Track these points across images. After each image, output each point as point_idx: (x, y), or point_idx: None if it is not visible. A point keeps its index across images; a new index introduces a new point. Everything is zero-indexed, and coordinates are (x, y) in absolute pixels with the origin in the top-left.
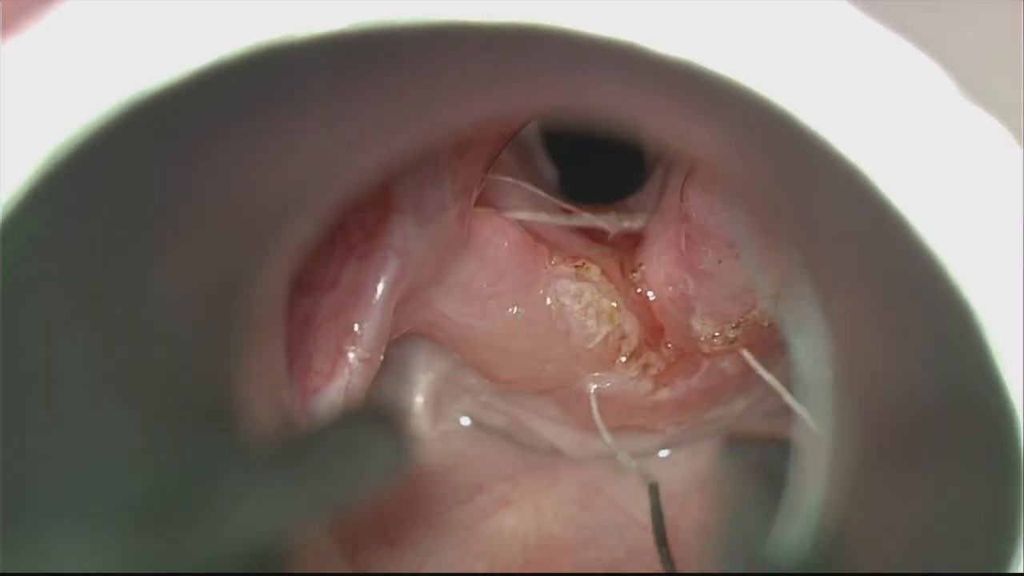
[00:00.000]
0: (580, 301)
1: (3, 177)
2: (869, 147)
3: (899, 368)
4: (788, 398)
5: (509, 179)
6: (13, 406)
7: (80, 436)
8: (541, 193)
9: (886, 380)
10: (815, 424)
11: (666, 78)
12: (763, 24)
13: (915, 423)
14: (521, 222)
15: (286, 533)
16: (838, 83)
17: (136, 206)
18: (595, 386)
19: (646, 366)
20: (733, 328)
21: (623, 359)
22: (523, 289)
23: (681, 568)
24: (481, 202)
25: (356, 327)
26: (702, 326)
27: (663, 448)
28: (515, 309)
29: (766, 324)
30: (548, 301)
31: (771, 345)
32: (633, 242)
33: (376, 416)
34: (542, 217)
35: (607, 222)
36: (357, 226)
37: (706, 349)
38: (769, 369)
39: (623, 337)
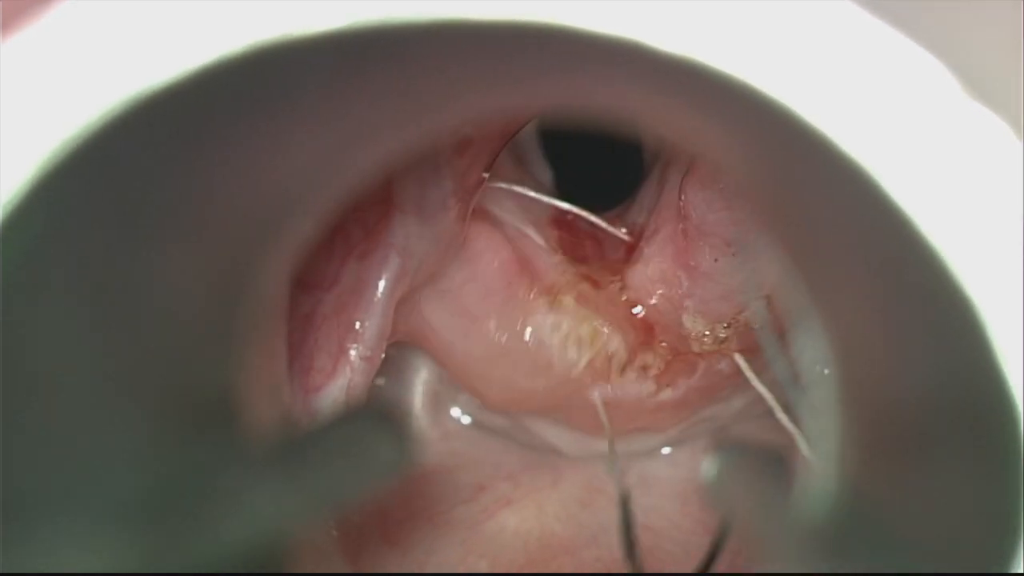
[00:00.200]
0: (558, 333)
1: (4, 177)
2: (872, 144)
3: (900, 365)
4: (774, 406)
5: (503, 185)
6: (13, 405)
7: (80, 435)
8: (540, 196)
9: (887, 377)
10: (813, 422)
11: (670, 76)
12: (767, 22)
13: (916, 421)
14: (512, 239)
15: (287, 533)
16: (841, 81)
17: (136, 205)
18: (598, 393)
19: (644, 367)
20: (724, 328)
21: (618, 370)
22: (503, 318)
23: (680, 568)
24: (478, 211)
25: (357, 325)
26: (693, 324)
27: (663, 447)
28: (497, 336)
29: (758, 326)
30: (527, 337)
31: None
32: (623, 250)
33: (377, 415)
34: (529, 232)
35: (603, 220)
36: (358, 225)
37: (696, 348)
38: (765, 368)
39: (610, 356)
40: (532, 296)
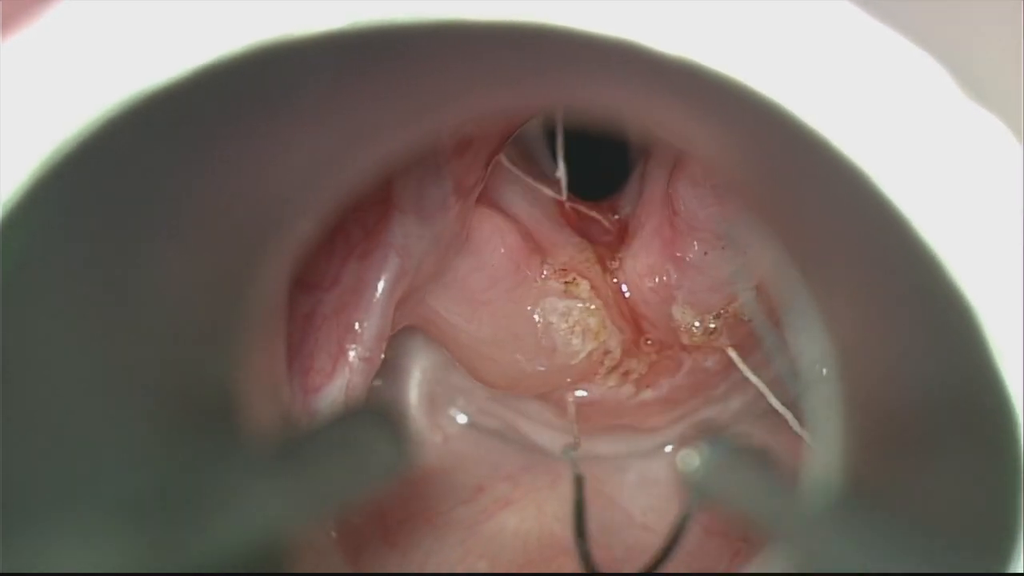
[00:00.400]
0: (568, 320)
1: (3, 176)
2: (869, 146)
3: (897, 366)
4: (771, 398)
5: (513, 168)
6: (14, 404)
7: (80, 435)
8: (544, 189)
9: (884, 378)
10: (813, 421)
11: (666, 76)
12: (763, 23)
13: (914, 421)
14: (518, 222)
15: (286, 533)
16: (839, 82)
17: (136, 205)
18: (574, 395)
19: (626, 373)
20: (714, 319)
21: (604, 371)
22: (513, 301)
23: (680, 567)
24: (482, 198)
25: (357, 326)
26: (682, 315)
27: (663, 447)
28: (502, 320)
29: (748, 319)
30: (536, 318)
31: (755, 342)
32: (619, 236)
33: (376, 416)
34: (538, 215)
35: (601, 212)
36: (357, 225)
37: (686, 340)
38: (763, 367)
39: (607, 352)
40: (545, 276)
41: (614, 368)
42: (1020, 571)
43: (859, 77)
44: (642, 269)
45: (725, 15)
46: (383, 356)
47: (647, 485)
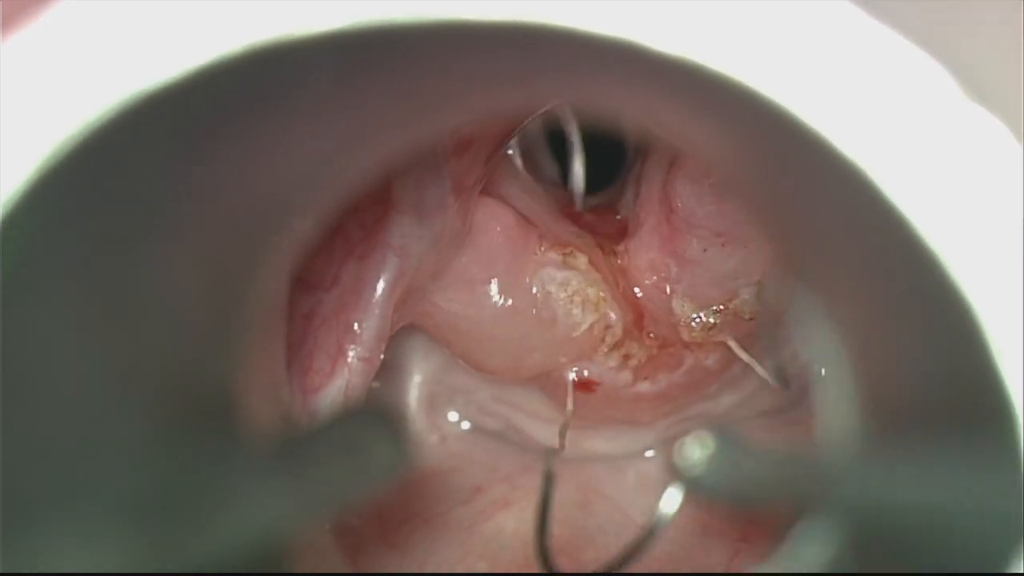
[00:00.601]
0: (566, 289)
1: (3, 176)
2: (869, 145)
3: (897, 367)
4: (765, 375)
5: (522, 168)
6: (13, 404)
7: (80, 435)
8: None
9: (883, 378)
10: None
11: (665, 76)
12: (764, 23)
13: (914, 421)
14: (516, 208)
15: (285, 533)
16: (839, 82)
17: (136, 205)
18: (574, 373)
19: (627, 356)
20: (714, 314)
21: (605, 349)
22: (511, 276)
23: (680, 567)
24: (481, 190)
25: (356, 326)
26: (682, 309)
27: (653, 444)
28: (502, 298)
29: (747, 317)
30: (534, 290)
31: (754, 340)
32: (619, 232)
33: (375, 416)
34: (538, 209)
35: (601, 211)
36: (357, 225)
37: (686, 335)
38: (761, 365)
39: (608, 327)
40: (543, 249)
41: (615, 347)
42: (1020, 571)
43: (859, 77)
44: (643, 265)
45: (725, 15)
46: (382, 357)
47: (646, 486)
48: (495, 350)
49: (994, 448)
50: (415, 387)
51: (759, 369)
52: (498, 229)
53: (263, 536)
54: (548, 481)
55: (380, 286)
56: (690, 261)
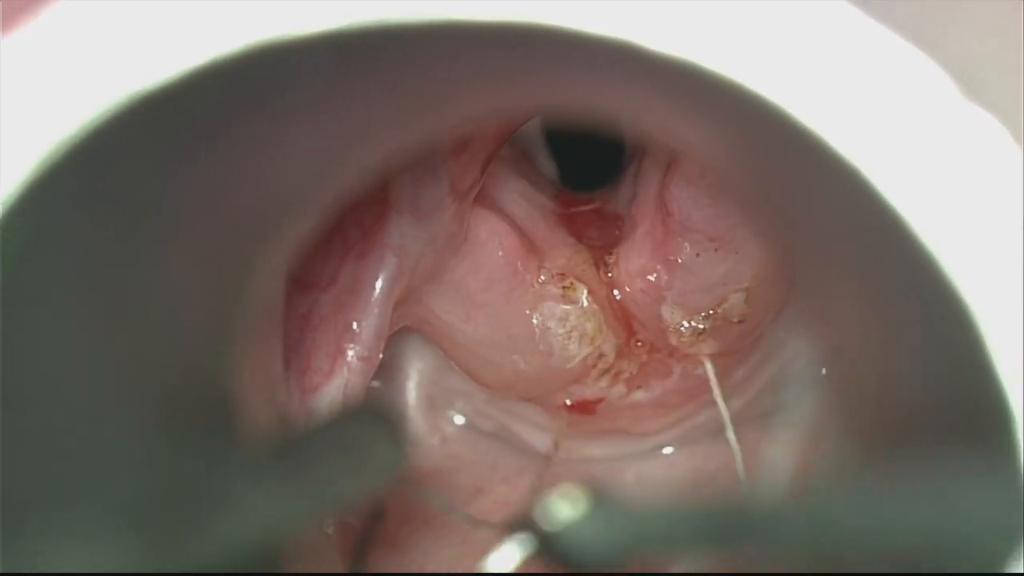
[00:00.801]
0: (565, 325)
1: (2, 175)
2: (867, 146)
3: (894, 367)
4: (727, 419)
5: (511, 159)
6: (12, 405)
7: (79, 435)
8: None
9: (881, 379)
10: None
11: (662, 77)
12: (762, 23)
13: (912, 423)
14: (515, 223)
15: (285, 533)
16: (837, 83)
17: (134, 204)
18: (569, 399)
19: (617, 374)
20: (703, 319)
21: (596, 374)
22: (510, 304)
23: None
24: (479, 198)
25: (355, 325)
26: (671, 316)
27: (658, 449)
28: (500, 323)
29: (736, 320)
30: (534, 323)
31: (742, 344)
32: (615, 239)
33: (375, 416)
34: (535, 216)
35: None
36: (355, 225)
37: (674, 341)
38: (763, 367)
39: (601, 356)
40: (542, 281)
41: (606, 371)
42: (1020, 572)
43: (857, 78)
44: (633, 269)
45: (722, 15)
46: (381, 356)
47: (645, 486)
48: (488, 368)
49: (992, 449)
50: (414, 387)
51: (717, 391)
52: (500, 253)
53: (262, 536)
54: None
55: (379, 285)
56: (681, 267)
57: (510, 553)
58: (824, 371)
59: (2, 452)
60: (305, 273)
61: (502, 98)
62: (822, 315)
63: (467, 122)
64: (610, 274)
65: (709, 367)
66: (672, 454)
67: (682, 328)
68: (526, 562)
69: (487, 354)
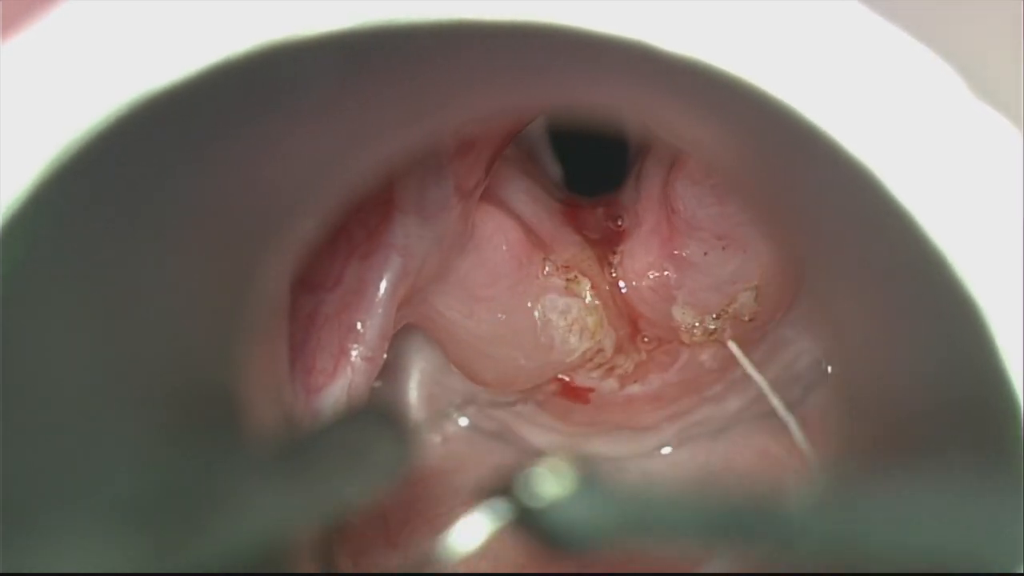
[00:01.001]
0: (567, 318)
1: (6, 178)
2: (876, 144)
3: (902, 364)
4: (768, 391)
5: (517, 159)
6: (15, 406)
7: (82, 436)
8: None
9: (888, 376)
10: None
11: (671, 75)
12: (771, 22)
13: (918, 420)
14: (520, 219)
15: (289, 533)
16: (846, 81)
17: (140, 206)
18: (559, 384)
19: (611, 368)
20: (714, 319)
21: (591, 367)
22: (513, 298)
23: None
24: (484, 195)
25: (359, 326)
26: (682, 316)
27: (662, 447)
28: (502, 316)
29: (747, 319)
30: (536, 315)
31: (754, 341)
32: (619, 235)
33: (378, 416)
34: (541, 213)
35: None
36: (360, 225)
37: (686, 340)
38: (763, 367)
39: (599, 351)
40: (547, 273)
41: (601, 365)
42: (1021, 572)
43: (866, 76)
44: (640, 267)
45: (731, 14)
46: (385, 356)
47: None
48: (489, 366)
49: (999, 447)
50: (416, 387)
51: (752, 372)
52: (504, 247)
53: (265, 536)
54: None
55: (383, 286)
56: (690, 265)
57: (480, 522)
58: (830, 369)
59: (4, 452)
60: (310, 273)
61: (509, 98)
62: (830, 313)
63: (473, 122)
64: (614, 272)
65: (734, 347)
66: (674, 453)
67: (694, 328)
68: (501, 534)
69: (488, 349)
